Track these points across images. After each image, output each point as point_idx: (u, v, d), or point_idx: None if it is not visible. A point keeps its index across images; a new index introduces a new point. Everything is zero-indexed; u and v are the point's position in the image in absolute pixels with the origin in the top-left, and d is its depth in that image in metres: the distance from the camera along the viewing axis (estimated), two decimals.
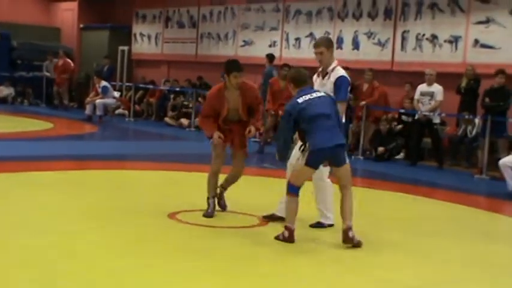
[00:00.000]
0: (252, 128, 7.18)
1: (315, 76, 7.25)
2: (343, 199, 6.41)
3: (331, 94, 6.81)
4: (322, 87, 6.96)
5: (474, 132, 13.04)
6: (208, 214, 7.24)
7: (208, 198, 7.35)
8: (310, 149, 6.25)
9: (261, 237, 6.62)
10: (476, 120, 12.99)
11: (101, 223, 6.75)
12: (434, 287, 5.46)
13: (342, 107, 6.83)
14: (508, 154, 11.02)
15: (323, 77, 7.09)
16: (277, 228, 6.67)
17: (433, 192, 10.47)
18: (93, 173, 10.00)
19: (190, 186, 9.42)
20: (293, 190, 6.38)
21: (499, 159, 10.83)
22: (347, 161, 6.50)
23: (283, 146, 6.53)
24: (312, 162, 6.30)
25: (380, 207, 7.98)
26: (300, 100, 6.38)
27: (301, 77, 6.59)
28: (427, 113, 13.02)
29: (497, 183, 11.05)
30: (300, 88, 6.51)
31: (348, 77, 7.09)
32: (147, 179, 9.89)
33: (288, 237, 6.32)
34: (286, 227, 6.37)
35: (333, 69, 7.06)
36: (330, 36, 16.41)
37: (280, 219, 6.94)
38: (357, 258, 6.02)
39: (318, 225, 7.03)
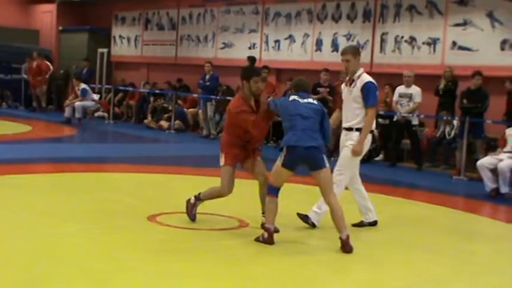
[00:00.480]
0: (264, 98, 7.02)
1: (342, 85, 7.37)
2: (332, 209, 6.34)
3: (359, 100, 6.97)
4: (349, 94, 7.10)
5: (452, 133, 13.14)
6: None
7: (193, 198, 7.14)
8: (282, 145, 6.34)
9: (241, 239, 6.63)
10: (455, 122, 13.09)
11: (81, 226, 6.73)
12: (416, 287, 5.50)
13: (371, 113, 6.99)
14: (486, 155, 11.11)
15: (350, 85, 7.17)
16: (258, 232, 6.68)
17: (412, 193, 10.54)
18: (72, 176, 9.95)
19: (170, 188, 9.42)
20: (272, 191, 6.40)
21: (477, 160, 10.92)
22: (327, 165, 6.41)
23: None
24: (287, 163, 6.32)
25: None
26: (290, 98, 6.57)
27: (302, 85, 6.72)
28: (405, 115, 13.09)
29: (475, 184, 11.14)
30: (297, 92, 6.66)
31: (375, 83, 7.17)
32: (127, 181, 9.85)
33: (267, 239, 6.33)
34: (265, 228, 6.39)
35: (358, 76, 7.14)
36: (310, 38, 16.51)
37: (313, 226, 7.11)
38: (338, 259, 6.05)
39: (361, 224, 7.34)
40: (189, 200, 7.16)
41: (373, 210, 7.38)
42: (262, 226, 6.68)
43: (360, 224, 7.34)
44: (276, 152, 6.65)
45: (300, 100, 6.50)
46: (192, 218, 7.10)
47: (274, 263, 5.86)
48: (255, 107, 6.86)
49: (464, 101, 12.31)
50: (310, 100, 6.57)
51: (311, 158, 6.33)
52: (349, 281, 5.53)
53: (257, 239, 6.41)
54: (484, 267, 6.30)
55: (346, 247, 6.24)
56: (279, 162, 6.38)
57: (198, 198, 7.12)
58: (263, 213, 6.90)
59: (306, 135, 6.30)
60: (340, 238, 6.27)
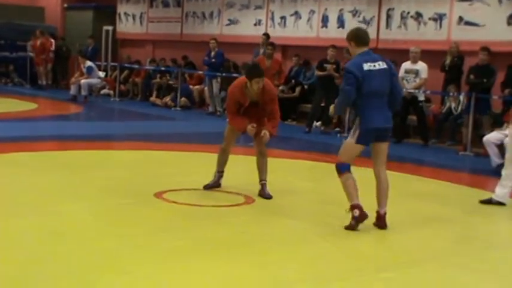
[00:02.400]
0: (267, 132, 7.14)
1: None
2: (380, 182, 6.29)
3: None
4: None
5: (459, 109, 13.10)
6: (209, 185, 7.54)
7: (215, 172, 7.60)
8: (361, 127, 6.12)
9: (247, 216, 6.65)
10: (461, 98, 13.05)
11: (88, 203, 6.76)
12: (422, 262, 5.51)
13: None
14: (492, 131, 11.08)
15: None
16: (265, 207, 6.70)
17: (419, 169, 10.54)
18: (78, 154, 9.97)
19: (177, 165, 9.44)
20: (344, 168, 6.22)
21: (483, 135, 10.90)
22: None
23: (339, 107, 6.43)
24: (363, 140, 6.17)
25: (365, 184, 8.03)
26: (364, 66, 6.06)
27: (363, 36, 6.29)
28: (411, 91, 13.05)
29: (482, 159, 11.13)
30: (362, 49, 6.21)
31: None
32: (133, 158, 9.88)
33: (360, 216, 6.09)
34: (352, 207, 6.12)
35: None
36: (315, 14, 16.41)
37: (498, 204, 7.38)
38: (344, 233, 6.07)
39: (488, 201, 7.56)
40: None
41: None
42: (262, 189, 7.28)
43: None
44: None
45: (374, 68, 6.07)
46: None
47: (280, 239, 5.88)
48: (258, 94, 7.08)
49: (471, 76, 12.27)
50: (382, 64, 6.15)
51: (385, 133, 6.25)
52: (349, 254, 5.54)
53: (349, 227, 6.11)
54: (487, 243, 6.31)
55: (381, 222, 6.26)
56: (351, 139, 6.20)
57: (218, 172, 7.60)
58: (260, 180, 7.35)
59: (383, 116, 6.17)
60: (378, 212, 6.28)
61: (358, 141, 6.17)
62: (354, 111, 6.41)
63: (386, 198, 6.30)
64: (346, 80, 6.13)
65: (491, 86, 12.26)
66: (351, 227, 6.12)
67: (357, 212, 6.08)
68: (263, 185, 7.39)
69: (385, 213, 6.28)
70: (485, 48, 12.25)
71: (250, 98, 7.14)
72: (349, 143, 6.25)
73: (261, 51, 15.47)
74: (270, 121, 7.26)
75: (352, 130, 6.34)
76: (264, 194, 7.34)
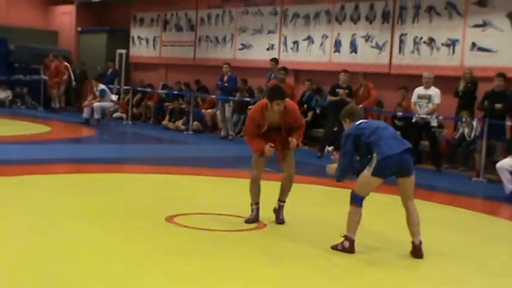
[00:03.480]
0: (293, 140, 7.07)
1: None
2: (411, 212, 6.29)
3: None
4: None
5: (472, 135, 13.05)
6: (250, 220, 7.25)
7: (251, 204, 7.31)
8: (378, 158, 6.09)
9: (259, 241, 6.62)
10: (474, 123, 13.01)
11: (100, 226, 6.76)
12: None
13: None
14: (506, 157, 11.02)
15: None
16: (276, 232, 6.66)
17: (431, 195, 10.47)
18: (91, 176, 9.99)
19: (188, 189, 9.44)
20: (357, 200, 6.23)
21: (496, 162, 10.84)
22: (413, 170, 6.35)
23: (343, 171, 6.40)
24: (380, 172, 6.13)
25: (378, 210, 7.99)
26: (357, 123, 6.36)
27: (356, 112, 6.62)
28: (424, 116, 13.02)
29: (495, 186, 11.06)
30: (355, 120, 6.48)
31: None
32: (145, 182, 9.89)
33: (348, 248, 6.20)
34: (346, 237, 6.23)
35: None
36: (328, 39, 16.46)
37: None
38: (349, 261, 6.02)
39: None
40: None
41: None
42: (278, 210, 7.28)
43: None
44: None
45: (367, 120, 6.51)
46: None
47: (291, 265, 5.84)
48: (280, 116, 7.02)
49: (486, 102, 12.22)
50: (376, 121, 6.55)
51: (406, 163, 6.21)
52: (359, 283, 5.50)
53: (335, 247, 6.27)
54: (501, 270, 6.25)
55: (417, 252, 6.23)
56: (368, 171, 6.17)
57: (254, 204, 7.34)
58: (279, 201, 7.33)
59: (397, 142, 6.21)
60: (413, 242, 6.26)
61: (375, 172, 6.13)
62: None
63: (418, 226, 6.28)
64: (344, 143, 6.33)
65: (506, 111, 12.19)
66: (335, 248, 6.27)
67: (347, 244, 6.22)
68: (280, 207, 7.36)
69: (420, 243, 6.24)
70: (501, 74, 12.22)
71: (270, 120, 7.06)
72: (365, 175, 6.22)
73: (272, 75, 15.53)
74: (296, 132, 7.18)
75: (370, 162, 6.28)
76: (278, 217, 7.31)
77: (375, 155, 6.13)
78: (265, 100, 7.14)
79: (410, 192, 6.34)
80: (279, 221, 7.30)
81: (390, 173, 6.21)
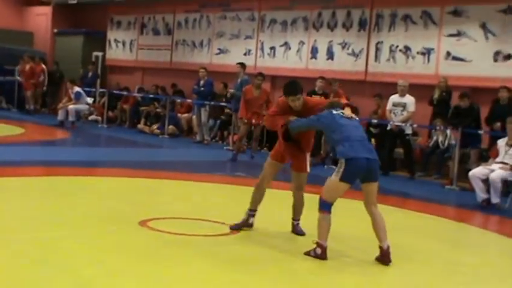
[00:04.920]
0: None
1: None
2: (376, 218, 6.31)
3: None
4: None
5: (446, 143, 13.17)
6: (235, 226, 7.14)
7: (247, 210, 7.20)
8: (344, 160, 6.09)
9: (232, 246, 6.62)
10: (448, 132, 13.12)
11: (72, 230, 6.71)
12: None
13: None
14: (478, 165, 11.14)
15: None
16: (249, 238, 6.65)
17: (404, 202, 10.56)
18: (64, 179, 9.92)
19: (163, 193, 9.41)
20: (325, 207, 6.21)
21: (469, 170, 10.95)
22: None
23: (295, 129, 6.60)
24: (347, 176, 6.12)
25: (350, 216, 8.02)
26: (333, 111, 6.38)
27: (335, 104, 6.59)
28: (399, 124, 13.12)
29: (467, 194, 11.16)
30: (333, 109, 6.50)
31: None
32: (119, 186, 9.83)
33: (320, 255, 6.18)
34: (318, 244, 6.21)
35: None
36: (305, 46, 16.52)
37: None
38: (326, 268, 6.04)
39: None
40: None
41: None
42: (294, 227, 7.13)
43: None
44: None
45: (343, 114, 6.40)
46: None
47: (265, 269, 5.84)
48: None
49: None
50: (351, 115, 6.47)
51: (373, 170, 6.21)
52: None
53: (308, 253, 6.26)
54: (472, 278, 6.30)
55: (385, 256, 6.23)
56: (335, 177, 6.16)
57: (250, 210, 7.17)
58: (293, 218, 7.20)
59: (364, 147, 6.21)
60: (381, 247, 6.26)
61: (343, 177, 6.13)
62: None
63: (384, 231, 6.30)
64: (312, 119, 6.48)
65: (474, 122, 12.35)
66: (308, 254, 6.26)
67: (319, 251, 6.21)
68: (296, 225, 7.24)
69: (388, 247, 6.25)
70: (504, 87, 12.28)
71: (296, 114, 6.75)
72: (333, 181, 6.22)
73: (239, 80, 15.44)
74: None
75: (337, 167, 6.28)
76: (297, 232, 7.19)
77: (342, 160, 6.16)
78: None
79: (374, 197, 6.36)
80: (299, 232, 7.17)
81: (357, 177, 6.24)
